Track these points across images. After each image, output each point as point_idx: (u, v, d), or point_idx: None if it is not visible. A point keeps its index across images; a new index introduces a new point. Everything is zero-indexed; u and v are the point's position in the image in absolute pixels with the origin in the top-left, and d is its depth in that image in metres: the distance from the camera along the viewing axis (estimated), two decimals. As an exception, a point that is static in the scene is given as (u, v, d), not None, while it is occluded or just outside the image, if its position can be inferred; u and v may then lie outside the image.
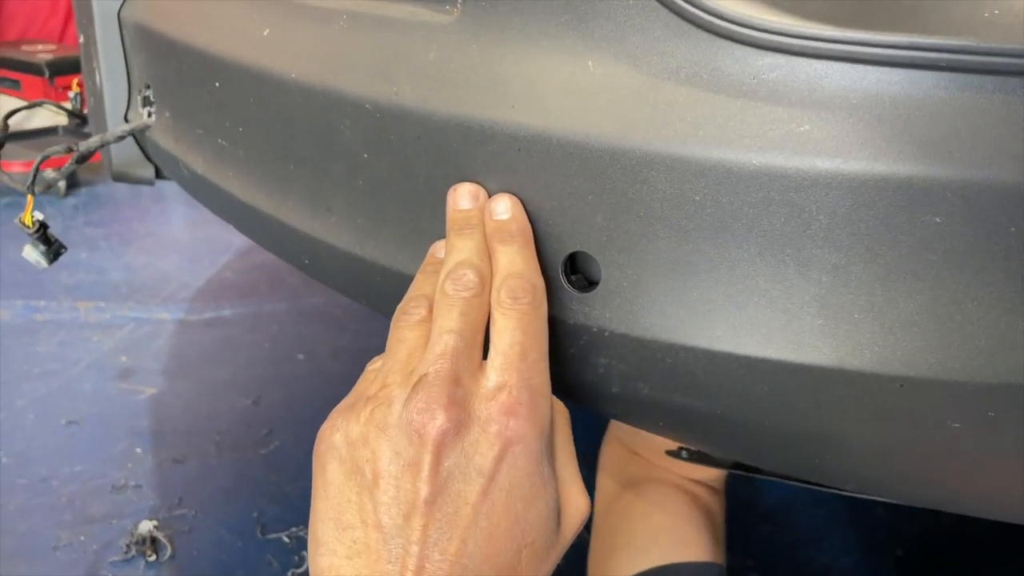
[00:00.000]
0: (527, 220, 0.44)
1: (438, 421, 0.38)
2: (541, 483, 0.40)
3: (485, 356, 0.42)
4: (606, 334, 0.43)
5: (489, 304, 0.42)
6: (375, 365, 0.45)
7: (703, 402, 0.43)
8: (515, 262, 0.43)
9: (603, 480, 0.93)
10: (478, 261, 0.43)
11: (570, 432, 0.44)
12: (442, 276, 0.43)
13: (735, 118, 0.38)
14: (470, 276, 0.42)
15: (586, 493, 0.43)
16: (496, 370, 0.40)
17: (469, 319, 0.41)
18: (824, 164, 0.37)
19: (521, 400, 0.40)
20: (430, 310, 0.43)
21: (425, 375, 0.39)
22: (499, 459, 0.39)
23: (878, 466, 0.44)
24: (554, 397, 0.44)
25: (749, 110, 0.38)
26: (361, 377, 0.45)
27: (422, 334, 0.43)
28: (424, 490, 0.38)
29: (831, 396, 0.40)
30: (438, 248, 0.47)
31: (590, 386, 0.47)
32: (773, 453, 0.47)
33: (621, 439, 0.94)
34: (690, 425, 0.47)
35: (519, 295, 0.42)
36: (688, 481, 0.87)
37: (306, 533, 1.17)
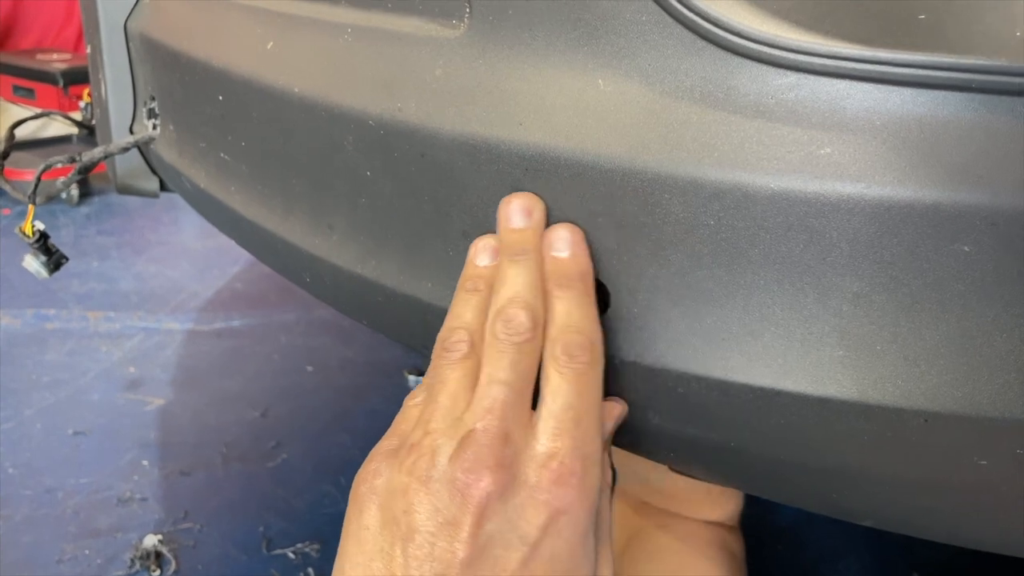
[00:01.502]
0: (588, 259, 0.41)
1: (484, 483, 0.36)
2: (583, 556, 0.38)
3: (534, 403, 0.39)
4: (616, 362, 0.42)
5: (541, 349, 0.40)
6: (415, 400, 0.43)
7: (716, 434, 0.41)
8: (572, 313, 0.40)
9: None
10: (531, 298, 0.40)
11: (609, 504, 0.42)
12: (492, 312, 0.41)
13: (752, 139, 0.36)
14: (522, 319, 0.40)
15: (612, 565, 0.41)
16: (548, 434, 0.38)
17: (520, 368, 0.39)
18: (846, 189, 0.35)
19: (573, 470, 0.37)
20: (472, 344, 0.41)
21: (473, 431, 0.38)
22: (545, 528, 0.37)
23: (899, 502, 0.42)
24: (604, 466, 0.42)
25: (767, 131, 0.36)
26: (400, 414, 0.43)
27: (464, 374, 0.40)
28: (461, 552, 0.36)
29: (851, 430, 0.38)
30: (478, 253, 0.44)
31: (598, 415, 0.45)
32: (789, 487, 0.45)
33: (626, 491, 0.91)
34: (702, 457, 0.45)
35: (575, 353, 0.39)
36: (699, 523, 0.85)
37: (312, 549, 1.17)
